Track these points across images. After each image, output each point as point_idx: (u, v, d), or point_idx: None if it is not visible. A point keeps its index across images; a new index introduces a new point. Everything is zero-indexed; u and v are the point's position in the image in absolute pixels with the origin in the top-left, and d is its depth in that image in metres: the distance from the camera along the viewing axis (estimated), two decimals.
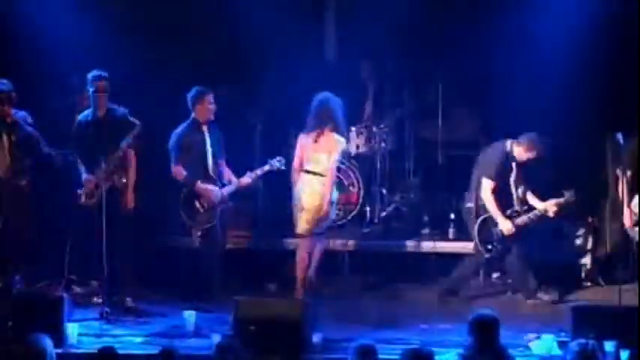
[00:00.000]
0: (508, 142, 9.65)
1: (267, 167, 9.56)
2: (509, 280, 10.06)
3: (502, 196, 9.61)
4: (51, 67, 10.39)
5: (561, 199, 9.58)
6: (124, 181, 9.37)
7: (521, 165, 9.63)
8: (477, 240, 9.65)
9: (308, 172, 9.53)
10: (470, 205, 9.73)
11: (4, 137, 9.22)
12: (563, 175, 10.45)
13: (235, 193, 9.65)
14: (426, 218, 10.80)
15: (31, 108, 9.55)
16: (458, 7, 10.90)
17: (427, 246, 10.44)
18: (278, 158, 9.59)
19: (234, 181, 9.58)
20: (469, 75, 11.00)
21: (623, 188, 9.44)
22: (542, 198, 9.68)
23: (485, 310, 6.94)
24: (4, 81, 9.24)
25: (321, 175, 9.51)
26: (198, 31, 11.04)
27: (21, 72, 9.85)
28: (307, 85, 9.91)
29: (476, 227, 9.64)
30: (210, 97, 9.55)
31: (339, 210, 10.52)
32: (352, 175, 10.68)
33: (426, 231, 10.72)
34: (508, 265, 9.80)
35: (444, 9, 10.90)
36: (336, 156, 9.53)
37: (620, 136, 9.31)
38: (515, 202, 9.66)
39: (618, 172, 9.62)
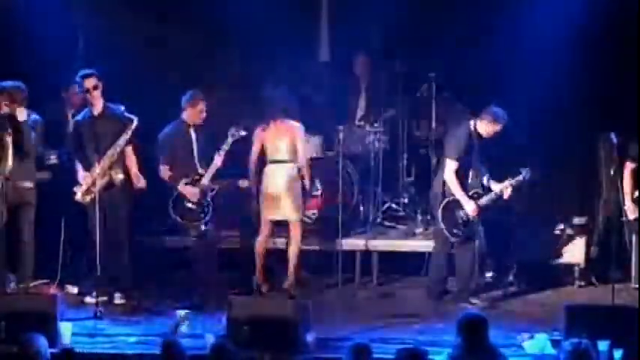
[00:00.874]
0: (472, 122, 9.62)
1: (230, 140, 9.57)
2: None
3: (465, 177, 9.59)
4: (44, 67, 10.38)
5: (512, 181, 9.51)
6: (121, 176, 9.39)
7: (482, 142, 9.58)
8: (441, 225, 9.61)
9: (272, 162, 9.79)
10: (437, 190, 9.72)
11: (9, 139, 9.20)
12: (557, 174, 10.46)
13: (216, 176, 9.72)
14: (419, 217, 10.80)
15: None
16: (453, 5, 10.89)
17: (420, 245, 10.42)
18: (235, 128, 9.62)
19: (209, 169, 9.59)
20: (464, 74, 11.00)
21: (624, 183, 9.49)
22: (500, 179, 9.63)
23: (473, 310, 6.94)
24: (11, 82, 9.23)
25: (284, 161, 9.74)
26: (192, 31, 11.03)
27: (14, 71, 9.84)
28: (302, 85, 9.91)
29: (439, 211, 9.62)
30: (203, 104, 9.60)
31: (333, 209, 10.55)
32: (346, 174, 10.66)
33: (419, 230, 10.71)
34: (458, 257, 9.67)
35: (439, 8, 10.89)
36: (300, 142, 9.77)
37: (613, 136, 9.33)
38: (476, 182, 9.62)
39: (611, 171, 9.67)
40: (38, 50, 10.37)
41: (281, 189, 9.77)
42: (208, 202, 9.56)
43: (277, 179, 9.78)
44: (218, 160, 9.59)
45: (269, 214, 9.85)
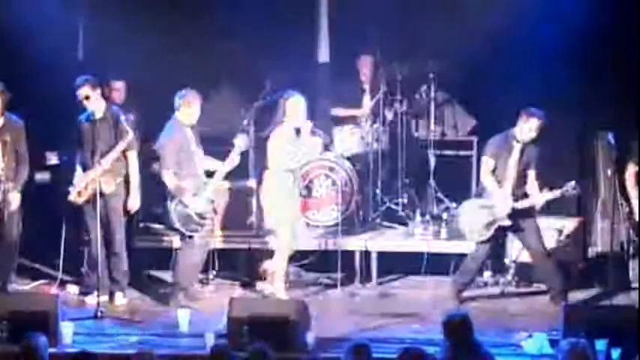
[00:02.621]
0: (517, 125, 9.48)
1: (237, 149, 9.46)
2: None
3: (498, 179, 9.47)
4: (42, 66, 10.42)
5: (549, 194, 9.39)
6: (112, 188, 9.36)
7: (525, 147, 9.44)
8: (460, 225, 9.62)
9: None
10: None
11: None
12: (555, 174, 10.49)
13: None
14: (419, 218, 10.83)
15: (23, 107, 9.56)
16: (452, 6, 10.91)
17: (419, 245, 10.46)
18: (240, 136, 9.57)
19: (214, 178, 9.52)
20: (462, 75, 11.04)
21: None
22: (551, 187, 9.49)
23: (455, 311, 6.94)
24: None
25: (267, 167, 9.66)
26: (192, 32, 11.05)
27: (12, 71, 9.89)
28: (300, 86, 9.94)
29: (460, 214, 9.63)
30: (198, 104, 9.46)
31: (332, 210, 10.58)
32: (345, 174, 10.71)
33: (418, 231, 10.74)
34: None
35: (438, 8, 10.92)
36: (269, 147, 9.57)
37: (611, 136, 9.35)
38: (514, 185, 9.47)
39: (609, 171, 9.70)
40: (37, 53, 10.39)
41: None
42: (206, 217, 9.49)
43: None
44: (227, 169, 9.52)
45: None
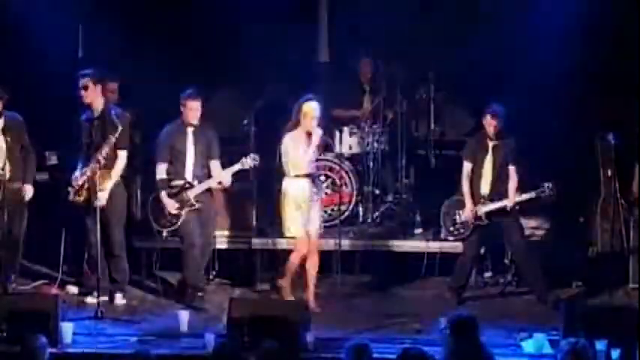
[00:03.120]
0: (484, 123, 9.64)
1: (237, 166, 9.51)
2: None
3: (477, 178, 9.58)
4: (42, 65, 10.42)
5: (521, 197, 9.45)
6: (116, 181, 9.39)
7: (496, 146, 9.53)
8: (442, 224, 9.71)
9: None
10: None
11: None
12: (554, 174, 10.50)
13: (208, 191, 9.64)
14: (418, 218, 10.83)
15: (23, 107, 9.56)
16: (452, 6, 10.92)
17: (419, 246, 10.46)
18: (252, 156, 9.56)
19: (201, 185, 9.54)
20: (462, 74, 11.05)
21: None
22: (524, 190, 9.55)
23: (461, 311, 6.95)
24: None
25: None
26: (192, 32, 11.06)
27: (10, 71, 9.89)
28: (300, 86, 9.95)
29: (442, 211, 9.71)
30: (194, 103, 9.48)
31: (332, 210, 10.58)
32: (345, 175, 10.71)
33: (418, 231, 10.74)
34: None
35: (438, 8, 10.93)
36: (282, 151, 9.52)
37: (611, 136, 9.36)
38: (487, 186, 9.57)
39: (609, 171, 9.71)
40: (37, 52, 10.40)
41: None
42: (182, 218, 9.49)
43: None
44: (214, 182, 9.55)
45: None
